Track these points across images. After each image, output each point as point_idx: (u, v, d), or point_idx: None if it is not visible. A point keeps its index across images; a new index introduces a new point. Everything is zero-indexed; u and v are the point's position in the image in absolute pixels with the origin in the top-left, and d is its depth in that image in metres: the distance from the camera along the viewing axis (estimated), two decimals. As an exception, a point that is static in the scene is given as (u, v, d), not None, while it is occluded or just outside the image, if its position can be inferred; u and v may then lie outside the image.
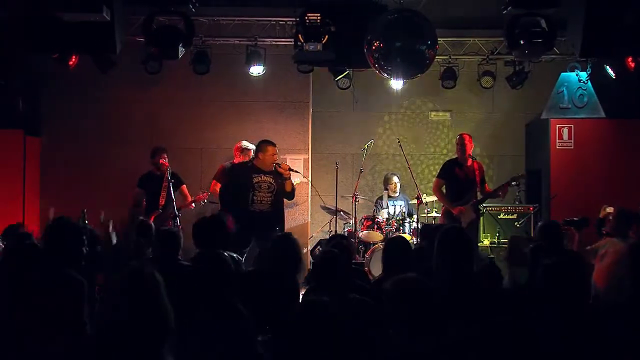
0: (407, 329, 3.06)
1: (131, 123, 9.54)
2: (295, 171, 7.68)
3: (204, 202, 8.43)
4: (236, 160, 8.36)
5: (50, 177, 9.47)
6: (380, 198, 9.44)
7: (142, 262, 4.74)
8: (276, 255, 4.71)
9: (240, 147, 8.50)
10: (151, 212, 8.06)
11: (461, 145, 8.35)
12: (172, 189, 7.99)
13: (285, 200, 7.79)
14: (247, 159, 8.24)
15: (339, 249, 4.69)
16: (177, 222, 7.81)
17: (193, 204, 8.34)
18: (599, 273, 5.80)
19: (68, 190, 9.23)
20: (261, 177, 7.47)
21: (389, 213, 9.06)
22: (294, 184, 7.76)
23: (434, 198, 9.47)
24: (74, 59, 8.05)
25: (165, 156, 8.28)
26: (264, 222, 7.30)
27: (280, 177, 7.45)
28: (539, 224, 5.70)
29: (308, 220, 9.76)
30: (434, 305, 3.11)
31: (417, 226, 8.58)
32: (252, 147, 8.26)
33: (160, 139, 9.03)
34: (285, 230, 8.57)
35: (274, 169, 7.46)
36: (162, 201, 8.14)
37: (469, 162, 8.32)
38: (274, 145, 7.56)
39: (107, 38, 7.56)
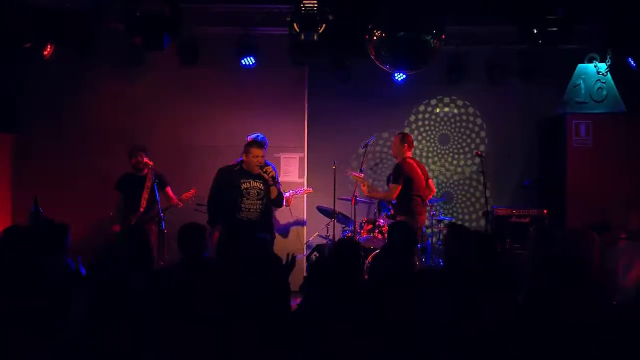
0: None
1: (111, 118, 9.38)
2: (277, 182, 7.47)
3: (192, 200, 8.32)
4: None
5: (24, 176, 9.32)
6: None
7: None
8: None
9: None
10: (130, 214, 7.95)
11: None
12: (156, 190, 7.89)
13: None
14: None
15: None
16: (162, 226, 7.72)
17: (181, 203, 8.24)
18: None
19: (43, 189, 9.08)
20: (250, 183, 7.29)
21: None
22: (286, 194, 7.68)
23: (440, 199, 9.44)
24: (49, 49, 7.95)
25: (143, 154, 8.17)
26: (252, 232, 7.14)
27: (267, 182, 7.32)
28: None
29: (304, 224, 9.66)
30: None
31: (421, 230, 8.48)
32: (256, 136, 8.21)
33: (143, 136, 8.90)
34: (279, 234, 8.51)
35: (259, 173, 7.30)
36: (143, 203, 7.99)
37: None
38: (259, 146, 7.34)
39: (85, 26, 7.49)
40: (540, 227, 8.48)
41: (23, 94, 9.41)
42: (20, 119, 9.44)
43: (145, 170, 8.11)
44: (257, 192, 7.29)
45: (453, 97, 10.17)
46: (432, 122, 10.27)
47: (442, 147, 10.24)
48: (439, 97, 10.19)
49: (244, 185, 7.26)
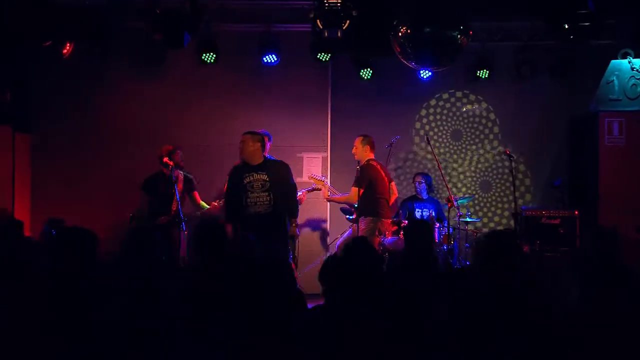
0: None
1: (130, 118, 9.38)
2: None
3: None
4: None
5: (42, 176, 9.38)
6: (407, 200, 9.30)
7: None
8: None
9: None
10: (158, 217, 7.89)
11: None
12: (176, 191, 7.90)
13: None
14: None
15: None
16: (182, 228, 7.70)
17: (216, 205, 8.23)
18: None
19: (62, 190, 9.19)
20: (253, 176, 7.24)
21: (415, 218, 8.95)
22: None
23: (467, 197, 9.36)
24: (68, 47, 7.99)
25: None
26: (262, 224, 7.09)
27: (271, 174, 7.26)
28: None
29: (327, 225, 9.63)
30: None
31: (448, 231, 8.43)
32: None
33: (162, 136, 8.92)
34: (302, 235, 8.47)
35: (263, 162, 7.26)
36: (174, 205, 7.94)
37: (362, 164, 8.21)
38: (247, 133, 7.29)
39: (104, 24, 7.53)
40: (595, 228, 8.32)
41: (42, 94, 9.46)
42: (39, 119, 9.49)
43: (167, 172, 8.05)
44: (261, 184, 7.20)
45: (482, 95, 10.06)
46: (460, 122, 10.18)
47: (454, 143, 10.13)
48: (467, 94, 10.09)
49: (246, 180, 7.20)
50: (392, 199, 8.28)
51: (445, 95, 10.09)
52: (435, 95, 10.08)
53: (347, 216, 8.77)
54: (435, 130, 10.09)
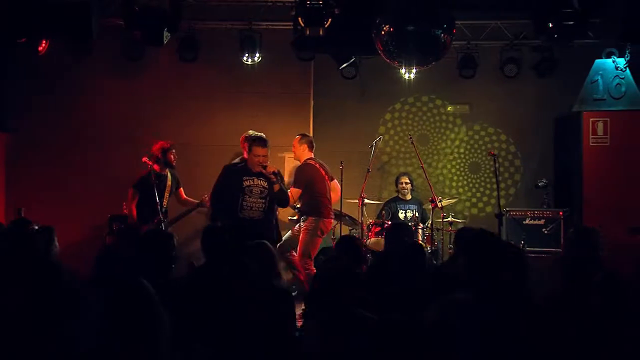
0: None
1: (108, 116, 9.36)
2: (280, 177, 7.42)
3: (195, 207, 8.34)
4: (245, 154, 7.81)
5: (17, 176, 9.31)
6: (390, 201, 9.34)
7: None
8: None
9: (246, 137, 8.05)
10: (153, 217, 7.81)
11: None
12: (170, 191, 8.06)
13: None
14: None
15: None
16: (162, 227, 7.69)
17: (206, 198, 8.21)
18: None
19: (37, 190, 9.12)
20: (253, 181, 7.28)
21: (399, 219, 8.97)
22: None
23: (452, 201, 9.40)
24: (43, 44, 7.95)
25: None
26: (254, 230, 7.12)
27: (269, 180, 7.33)
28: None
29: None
30: None
31: (432, 233, 8.47)
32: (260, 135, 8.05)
33: (140, 134, 8.92)
34: (283, 237, 8.49)
35: (261, 171, 7.28)
36: (165, 203, 8.05)
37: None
38: (263, 145, 7.32)
39: (82, 21, 7.49)
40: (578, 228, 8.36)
41: (19, 92, 9.40)
42: (16, 118, 9.43)
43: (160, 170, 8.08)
44: (260, 190, 7.29)
45: (466, 94, 10.10)
46: (443, 122, 10.23)
47: (452, 147, 10.20)
48: (451, 94, 10.14)
49: (246, 183, 7.25)
50: (335, 198, 8.29)
51: (430, 96, 10.16)
52: (418, 96, 10.14)
53: (290, 217, 8.80)
54: (417, 130, 10.16)
